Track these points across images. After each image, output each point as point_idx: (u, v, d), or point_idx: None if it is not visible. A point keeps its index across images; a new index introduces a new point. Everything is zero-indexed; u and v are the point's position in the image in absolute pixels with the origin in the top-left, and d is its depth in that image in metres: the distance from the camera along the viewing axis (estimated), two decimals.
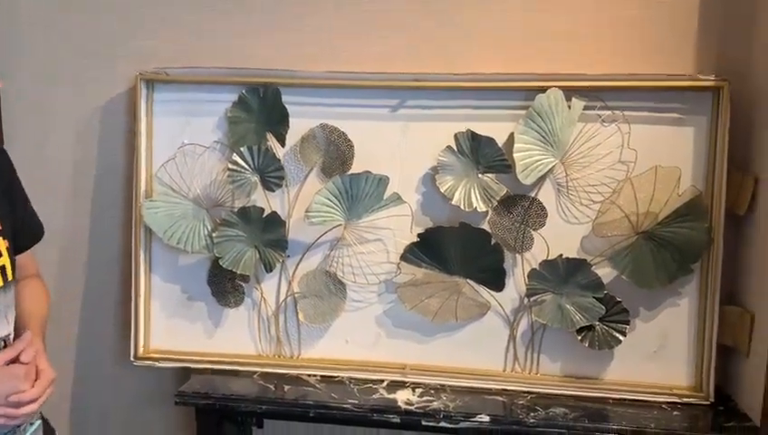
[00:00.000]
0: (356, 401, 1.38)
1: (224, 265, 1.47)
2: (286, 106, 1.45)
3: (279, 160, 1.46)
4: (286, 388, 1.44)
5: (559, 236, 1.42)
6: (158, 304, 1.56)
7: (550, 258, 1.42)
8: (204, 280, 1.53)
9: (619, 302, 1.40)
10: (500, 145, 1.41)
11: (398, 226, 1.47)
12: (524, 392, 1.43)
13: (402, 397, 1.41)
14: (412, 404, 1.38)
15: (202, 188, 1.51)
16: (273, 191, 1.48)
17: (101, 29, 1.56)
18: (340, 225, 1.47)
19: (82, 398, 1.70)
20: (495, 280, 1.44)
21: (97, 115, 1.59)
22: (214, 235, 1.48)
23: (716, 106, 1.35)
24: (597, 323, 1.41)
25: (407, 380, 1.47)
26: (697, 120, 1.37)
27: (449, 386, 1.45)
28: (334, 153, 1.47)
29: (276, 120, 1.46)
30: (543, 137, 1.39)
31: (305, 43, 1.50)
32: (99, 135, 1.59)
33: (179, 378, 1.56)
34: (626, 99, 1.38)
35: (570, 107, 1.38)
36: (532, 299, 1.44)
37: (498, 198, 1.41)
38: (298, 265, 1.50)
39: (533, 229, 1.43)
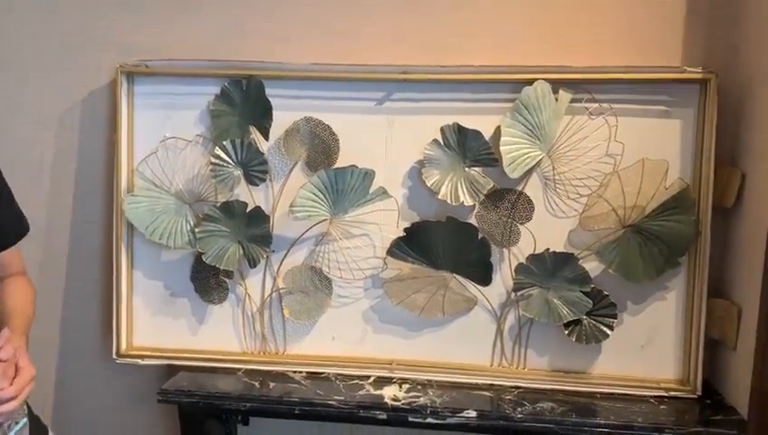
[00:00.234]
0: (342, 398, 1.37)
1: (207, 261, 1.45)
2: (270, 99, 1.43)
3: (263, 154, 1.45)
4: (271, 385, 1.43)
5: (546, 230, 1.41)
6: (141, 301, 1.54)
7: (537, 252, 1.41)
8: (187, 276, 1.51)
9: (607, 296, 1.39)
10: (487, 138, 1.40)
11: (384, 220, 1.45)
12: (512, 387, 1.43)
13: (389, 393, 1.40)
14: (399, 400, 1.37)
15: (184, 183, 1.49)
16: (257, 186, 1.46)
17: (81, 20, 1.53)
18: (325, 219, 1.45)
19: (65, 397, 1.68)
20: (482, 274, 1.43)
21: (77, 109, 1.56)
22: (196, 230, 1.46)
23: (704, 99, 1.35)
24: (584, 317, 1.40)
25: (393, 375, 1.46)
26: (685, 113, 1.37)
27: (436, 381, 1.44)
28: (319, 147, 1.45)
29: (260, 114, 1.44)
30: (530, 130, 1.38)
31: (289, 35, 1.48)
32: (79, 129, 1.57)
33: (164, 375, 1.54)
34: (613, 91, 1.38)
35: (557, 99, 1.37)
36: (519, 293, 1.43)
37: (485, 192, 1.40)
38: (283, 260, 1.49)
39: (520, 223, 1.42)
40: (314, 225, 1.46)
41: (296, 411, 1.36)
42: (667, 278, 1.40)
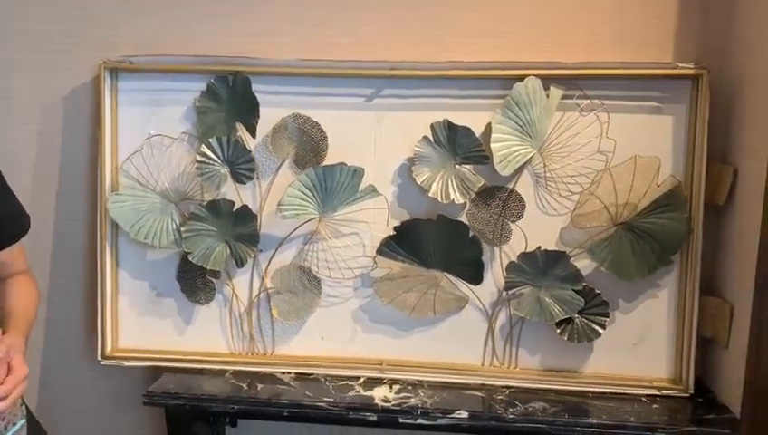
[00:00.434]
0: (331, 400, 1.35)
1: (193, 261, 1.43)
2: (257, 95, 1.41)
3: (250, 152, 1.42)
4: (260, 386, 1.41)
5: (537, 228, 1.40)
6: (126, 301, 1.51)
7: (528, 250, 1.40)
8: (173, 276, 1.49)
9: (599, 294, 1.38)
10: (477, 135, 1.38)
11: (373, 219, 1.43)
12: (503, 387, 1.42)
13: (379, 394, 1.38)
14: (389, 401, 1.35)
15: (170, 181, 1.46)
16: (244, 184, 1.44)
17: (63, 16, 1.50)
18: (314, 218, 1.43)
19: (48, 399, 1.65)
20: (474, 273, 1.42)
21: (60, 105, 1.53)
22: (182, 229, 1.44)
23: (695, 95, 1.34)
24: (576, 315, 1.39)
25: (384, 376, 1.44)
26: (676, 109, 1.36)
27: (427, 382, 1.43)
28: (307, 144, 1.43)
29: (246, 110, 1.42)
30: (521, 127, 1.36)
31: (277, 31, 1.46)
32: (62, 126, 1.54)
33: (150, 376, 1.51)
34: (604, 87, 1.37)
35: (548, 96, 1.36)
36: (510, 292, 1.42)
37: (476, 190, 1.39)
38: (271, 260, 1.46)
39: (512, 221, 1.40)
40: (303, 223, 1.44)
41: (285, 413, 1.35)
42: (659, 276, 1.39)
